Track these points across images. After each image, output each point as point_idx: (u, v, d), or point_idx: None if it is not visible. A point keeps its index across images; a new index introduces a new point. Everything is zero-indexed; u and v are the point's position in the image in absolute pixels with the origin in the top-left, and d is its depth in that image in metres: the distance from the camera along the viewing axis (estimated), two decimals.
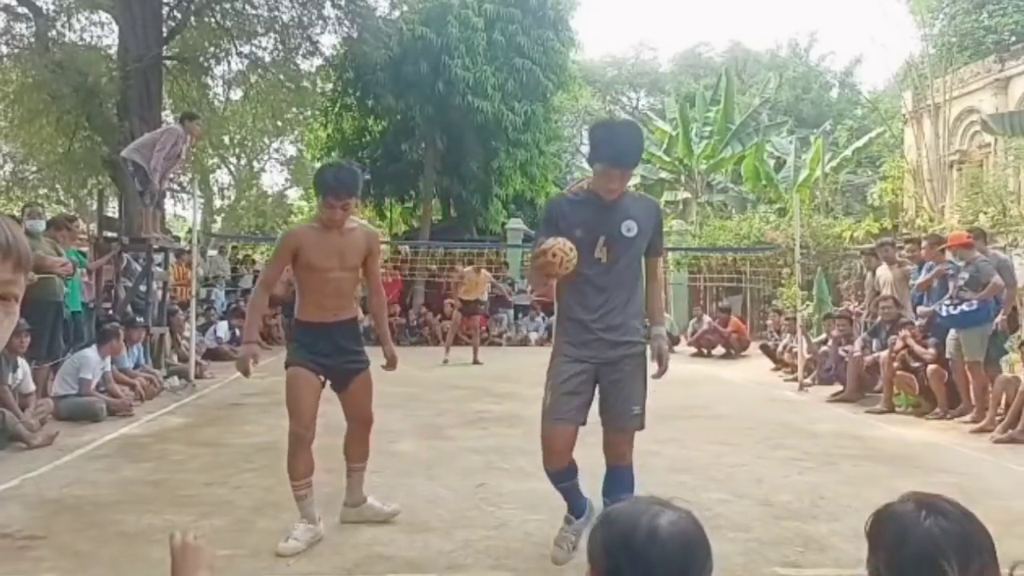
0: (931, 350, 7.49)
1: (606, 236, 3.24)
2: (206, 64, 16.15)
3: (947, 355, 7.28)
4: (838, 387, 8.89)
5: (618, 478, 3.31)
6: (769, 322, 12.93)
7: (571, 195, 3.41)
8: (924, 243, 8.38)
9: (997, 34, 18.20)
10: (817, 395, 8.91)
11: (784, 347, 11.07)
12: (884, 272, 8.88)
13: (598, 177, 3.26)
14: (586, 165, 35.36)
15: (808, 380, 9.49)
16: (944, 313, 7.34)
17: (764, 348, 11.83)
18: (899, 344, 7.79)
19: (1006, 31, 18.21)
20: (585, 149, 37.08)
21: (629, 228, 3.26)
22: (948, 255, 7.78)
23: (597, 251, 3.24)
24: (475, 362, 11.50)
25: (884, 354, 7.97)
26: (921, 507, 1.25)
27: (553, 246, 3.07)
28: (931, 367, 7.37)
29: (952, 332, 7.27)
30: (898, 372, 7.70)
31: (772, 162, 20.64)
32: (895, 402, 7.83)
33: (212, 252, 17.06)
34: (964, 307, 7.08)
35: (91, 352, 7.06)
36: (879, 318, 8.60)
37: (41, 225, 7.19)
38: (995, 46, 17.50)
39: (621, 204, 3.28)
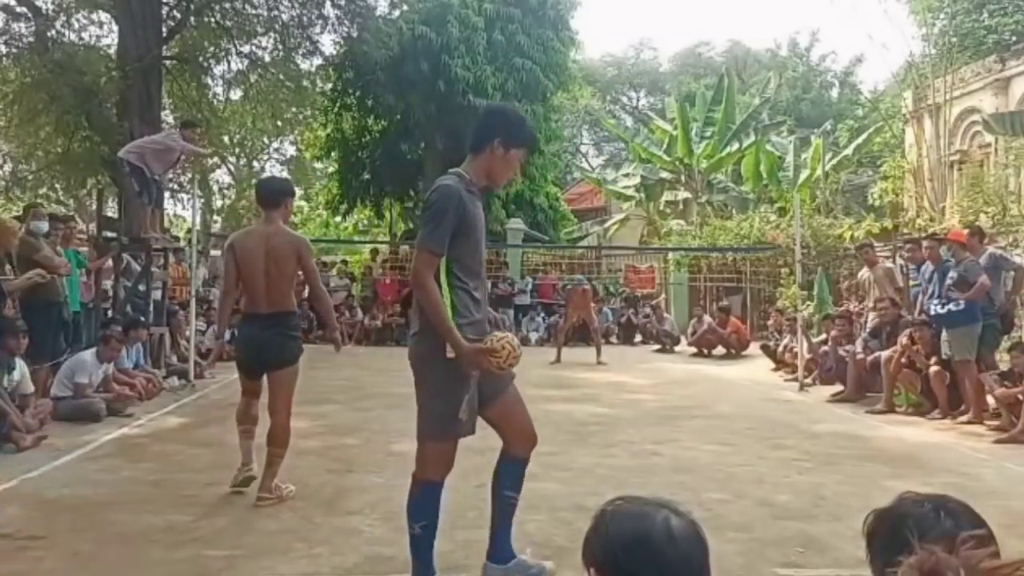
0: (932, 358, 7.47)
1: (482, 233, 3.05)
2: (206, 64, 16.18)
3: (943, 355, 7.28)
4: (838, 387, 8.89)
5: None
6: (770, 322, 12.93)
7: (462, 185, 2.91)
8: (924, 243, 8.38)
9: (997, 34, 18.19)
10: (817, 395, 8.90)
11: (784, 347, 11.06)
12: (867, 275, 8.94)
13: (505, 164, 2.98)
14: (586, 165, 35.21)
15: (808, 380, 9.48)
16: (932, 312, 7.34)
17: (764, 348, 11.82)
18: (905, 340, 7.74)
19: (1007, 31, 18.20)
20: (585, 149, 37.08)
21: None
22: (943, 250, 7.77)
23: (482, 250, 3.06)
24: None
25: (884, 354, 7.96)
26: (938, 508, 1.26)
27: (504, 340, 2.84)
28: (932, 368, 7.35)
29: (944, 332, 7.28)
30: (904, 369, 7.68)
31: (773, 162, 20.64)
32: (896, 402, 7.82)
33: (215, 252, 17.05)
34: (951, 307, 7.08)
35: (88, 355, 7.02)
36: (877, 319, 8.61)
37: (45, 226, 7.17)
38: (996, 46, 17.50)
39: None
